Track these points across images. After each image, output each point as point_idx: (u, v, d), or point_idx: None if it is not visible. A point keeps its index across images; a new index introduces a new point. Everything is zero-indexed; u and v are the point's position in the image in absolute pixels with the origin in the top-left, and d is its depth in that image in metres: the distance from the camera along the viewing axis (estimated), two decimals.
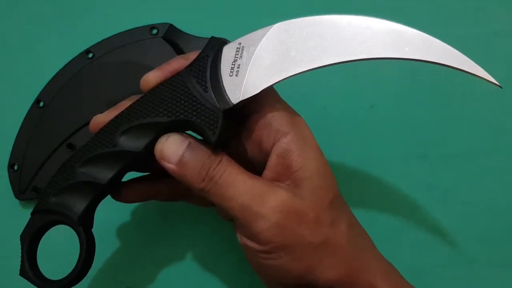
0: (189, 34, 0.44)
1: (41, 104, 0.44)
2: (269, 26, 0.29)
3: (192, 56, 0.30)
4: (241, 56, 0.29)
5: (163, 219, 0.42)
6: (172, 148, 0.29)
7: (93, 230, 0.32)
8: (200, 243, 0.41)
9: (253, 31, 0.29)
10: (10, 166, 0.43)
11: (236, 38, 0.30)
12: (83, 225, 0.30)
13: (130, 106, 0.30)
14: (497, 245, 0.39)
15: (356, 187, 0.40)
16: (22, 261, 0.31)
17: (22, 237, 0.31)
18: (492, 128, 0.41)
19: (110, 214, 0.42)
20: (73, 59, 0.45)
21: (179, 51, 0.43)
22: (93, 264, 0.32)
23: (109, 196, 0.33)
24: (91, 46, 0.45)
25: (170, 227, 0.42)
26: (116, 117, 0.30)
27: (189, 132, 0.30)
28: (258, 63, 0.28)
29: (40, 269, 0.32)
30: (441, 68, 0.27)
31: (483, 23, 0.43)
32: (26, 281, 0.31)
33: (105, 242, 0.41)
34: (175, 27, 0.44)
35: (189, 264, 0.41)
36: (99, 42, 0.45)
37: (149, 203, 0.42)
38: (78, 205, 0.30)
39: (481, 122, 0.41)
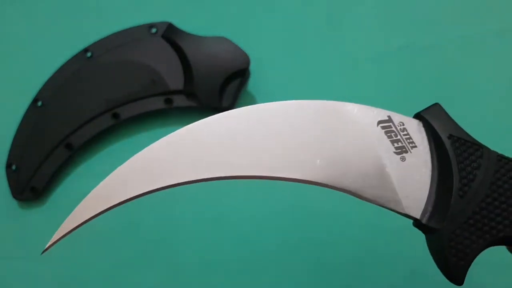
0: (188, 33, 0.43)
1: (39, 103, 0.44)
2: None
3: None
4: None
5: (163, 219, 0.42)
6: None
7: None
8: (201, 243, 0.41)
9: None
10: (8, 166, 0.43)
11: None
12: None
13: None
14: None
15: None
16: None
17: None
18: None
19: (110, 215, 0.42)
20: (71, 58, 0.44)
21: (178, 50, 0.43)
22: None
23: None
24: (89, 45, 0.44)
25: (170, 228, 0.42)
26: None
27: None
28: None
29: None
30: None
31: (484, 22, 0.43)
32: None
33: (105, 243, 0.41)
34: (174, 26, 0.44)
35: (189, 264, 0.41)
36: (97, 41, 0.44)
37: (148, 203, 0.42)
38: None
39: None
